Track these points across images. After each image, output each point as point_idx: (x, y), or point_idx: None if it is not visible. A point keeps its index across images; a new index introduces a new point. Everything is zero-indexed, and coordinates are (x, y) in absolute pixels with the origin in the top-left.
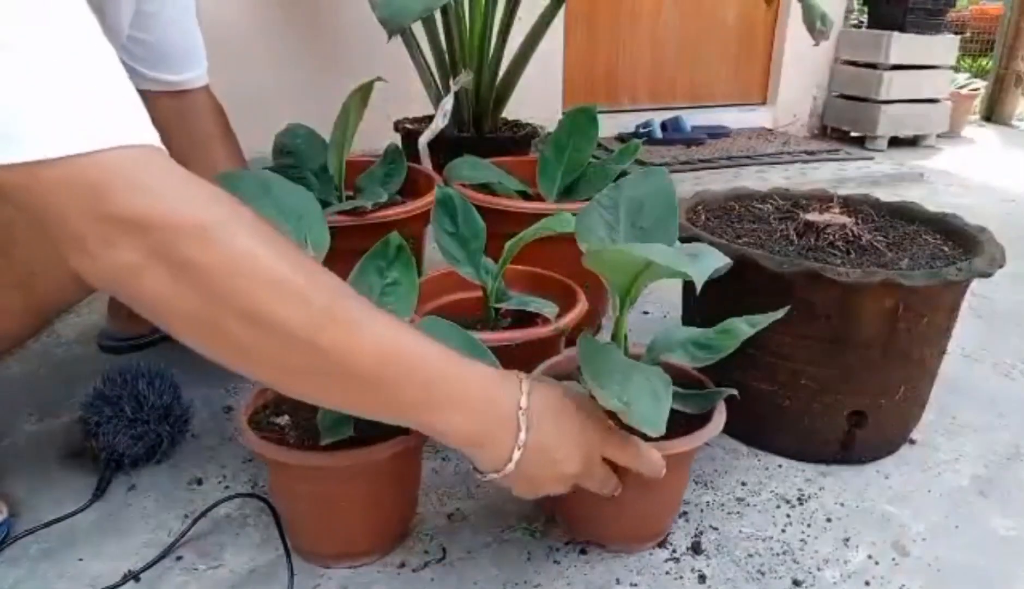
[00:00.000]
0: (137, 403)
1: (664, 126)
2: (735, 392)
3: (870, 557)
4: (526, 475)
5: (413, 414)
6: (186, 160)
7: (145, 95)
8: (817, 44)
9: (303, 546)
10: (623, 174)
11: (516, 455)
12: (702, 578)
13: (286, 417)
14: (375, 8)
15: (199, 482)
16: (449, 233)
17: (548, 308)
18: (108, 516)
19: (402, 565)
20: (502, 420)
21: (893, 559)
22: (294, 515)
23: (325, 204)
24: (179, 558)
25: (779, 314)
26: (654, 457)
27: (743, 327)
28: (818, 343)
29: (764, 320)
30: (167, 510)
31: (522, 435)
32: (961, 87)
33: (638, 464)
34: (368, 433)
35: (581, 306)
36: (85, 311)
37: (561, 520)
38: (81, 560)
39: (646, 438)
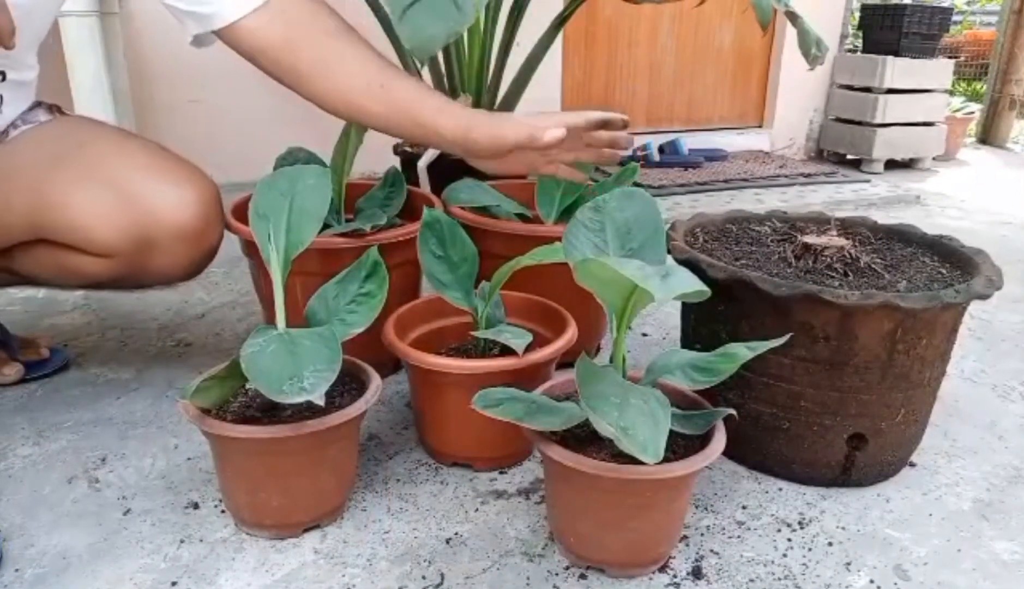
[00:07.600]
0: None
1: (662, 149)
2: (733, 412)
3: (872, 582)
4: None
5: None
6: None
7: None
8: (812, 69)
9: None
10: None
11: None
12: None
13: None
14: (402, 40)
15: (195, 506)
16: (437, 256)
17: (519, 339)
18: (103, 541)
19: None
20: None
21: (895, 584)
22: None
23: (326, 226)
24: (174, 584)
25: (779, 341)
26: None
27: (742, 351)
28: (817, 365)
29: (763, 346)
30: (163, 535)
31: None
32: (956, 110)
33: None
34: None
35: (570, 335)
36: (84, 334)
37: (560, 545)
38: (76, 586)
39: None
